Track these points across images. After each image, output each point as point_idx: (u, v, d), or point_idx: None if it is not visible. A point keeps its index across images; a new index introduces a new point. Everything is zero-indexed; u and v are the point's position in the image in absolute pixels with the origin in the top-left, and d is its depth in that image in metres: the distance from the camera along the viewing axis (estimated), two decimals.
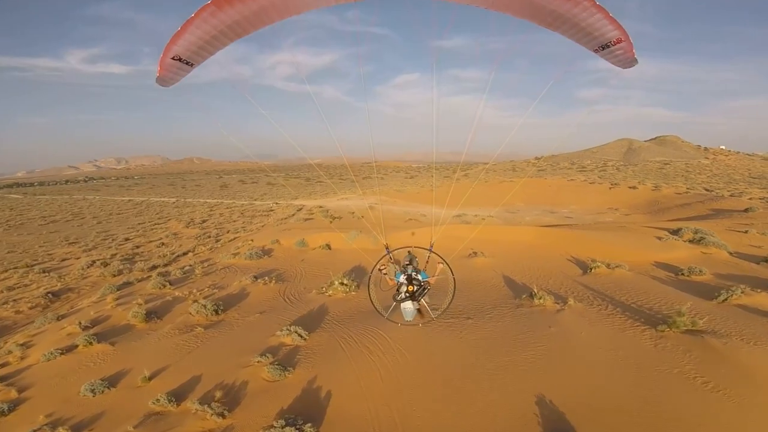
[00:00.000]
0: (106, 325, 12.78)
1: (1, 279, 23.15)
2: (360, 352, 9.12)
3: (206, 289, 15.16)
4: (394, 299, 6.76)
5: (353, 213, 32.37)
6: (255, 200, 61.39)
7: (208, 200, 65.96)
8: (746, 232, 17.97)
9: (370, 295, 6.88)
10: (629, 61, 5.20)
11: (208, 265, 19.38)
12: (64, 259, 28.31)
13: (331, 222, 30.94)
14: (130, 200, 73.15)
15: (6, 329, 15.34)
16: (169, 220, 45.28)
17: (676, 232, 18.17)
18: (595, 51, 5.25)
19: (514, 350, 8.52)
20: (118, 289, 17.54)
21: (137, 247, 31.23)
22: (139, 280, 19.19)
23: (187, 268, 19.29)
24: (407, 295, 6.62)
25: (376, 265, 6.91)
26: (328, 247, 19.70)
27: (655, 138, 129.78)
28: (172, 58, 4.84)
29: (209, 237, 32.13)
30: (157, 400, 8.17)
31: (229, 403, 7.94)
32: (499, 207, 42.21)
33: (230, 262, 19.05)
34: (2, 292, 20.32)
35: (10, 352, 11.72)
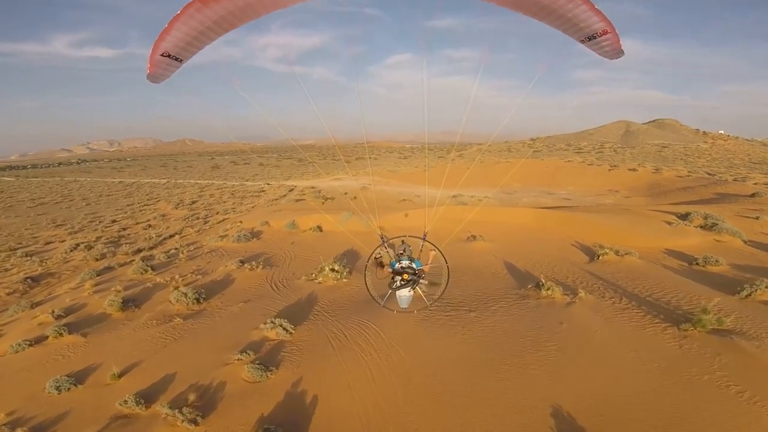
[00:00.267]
0: (81, 314, 12.11)
1: None
2: (351, 349, 8.30)
3: (189, 275, 14.39)
4: (390, 287, 6.31)
5: (346, 193, 31.34)
6: (246, 181, 60.06)
7: (199, 181, 64.64)
8: (757, 218, 17.16)
9: (366, 284, 6.42)
10: (616, 53, 5.36)
11: (194, 249, 18.50)
12: (48, 242, 27.35)
13: (323, 203, 29.89)
14: (120, 182, 71.59)
15: None
16: (158, 201, 44.16)
17: (684, 216, 17.33)
18: (582, 42, 5.34)
19: (525, 350, 7.68)
20: (98, 275, 16.72)
21: (123, 229, 30.23)
22: (121, 265, 18.29)
23: (172, 251, 18.46)
24: (402, 283, 6.29)
25: (372, 254, 6.43)
26: (320, 229, 18.82)
27: (654, 121, 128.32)
28: (161, 55, 4.93)
29: (198, 218, 31.13)
30: (125, 401, 7.52)
31: (204, 407, 7.17)
32: (497, 188, 41.34)
33: (217, 245, 18.18)
34: None
35: None
